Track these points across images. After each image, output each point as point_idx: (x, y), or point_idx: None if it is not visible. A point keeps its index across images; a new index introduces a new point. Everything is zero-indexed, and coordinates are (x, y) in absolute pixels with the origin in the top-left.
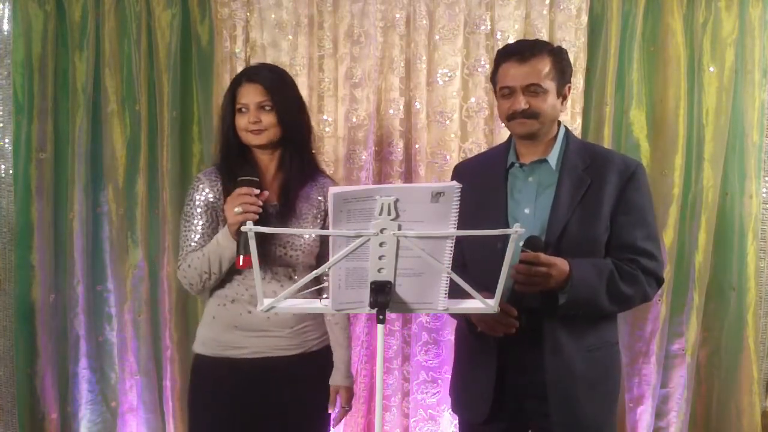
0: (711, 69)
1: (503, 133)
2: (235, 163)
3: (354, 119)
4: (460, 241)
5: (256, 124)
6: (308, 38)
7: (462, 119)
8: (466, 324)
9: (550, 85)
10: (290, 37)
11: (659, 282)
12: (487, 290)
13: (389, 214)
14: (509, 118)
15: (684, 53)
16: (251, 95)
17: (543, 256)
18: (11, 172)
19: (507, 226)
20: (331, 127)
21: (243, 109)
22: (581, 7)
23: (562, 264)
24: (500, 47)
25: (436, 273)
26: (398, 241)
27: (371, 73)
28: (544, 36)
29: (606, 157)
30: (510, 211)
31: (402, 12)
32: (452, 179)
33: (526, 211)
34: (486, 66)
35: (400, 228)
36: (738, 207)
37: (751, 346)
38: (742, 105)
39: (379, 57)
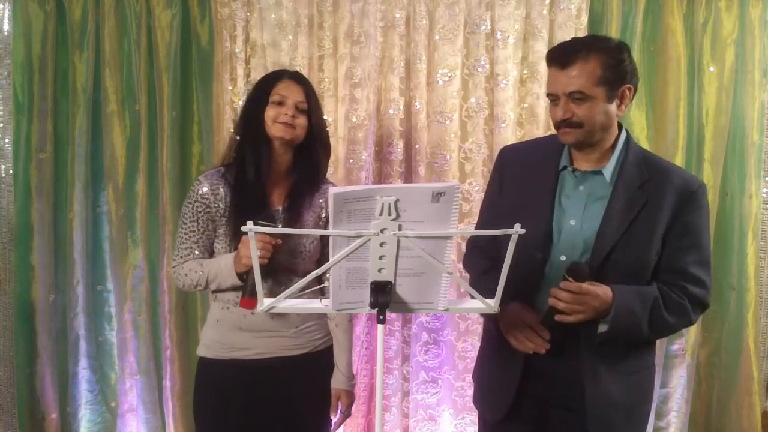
0: (711, 69)
1: (503, 134)
2: (262, 155)
3: (354, 119)
4: (500, 240)
5: (293, 118)
6: (308, 38)
7: (462, 119)
8: (495, 329)
9: (596, 91)
10: (290, 37)
11: (704, 309)
12: (521, 297)
13: (389, 214)
14: (556, 126)
15: (684, 53)
16: (293, 92)
17: (585, 287)
18: (11, 172)
19: (550, 233)
20: (331, 127)
21: (280, 101)
22: (581, 7)
23: (604, 294)
24: (499, 46)
25: (437, 273)
26: (399, 241)
27: (371, 73)
28: (544, 36)
29: (666, 173)
30: (555, 218)
31: (402, 12)
32: (497, 162)
33: (572, 222)
34: (486, 66)
35: (400, 228)
36: (738, 207)
37: (751, 346)
38: (742, 105)
39: (379, 57)
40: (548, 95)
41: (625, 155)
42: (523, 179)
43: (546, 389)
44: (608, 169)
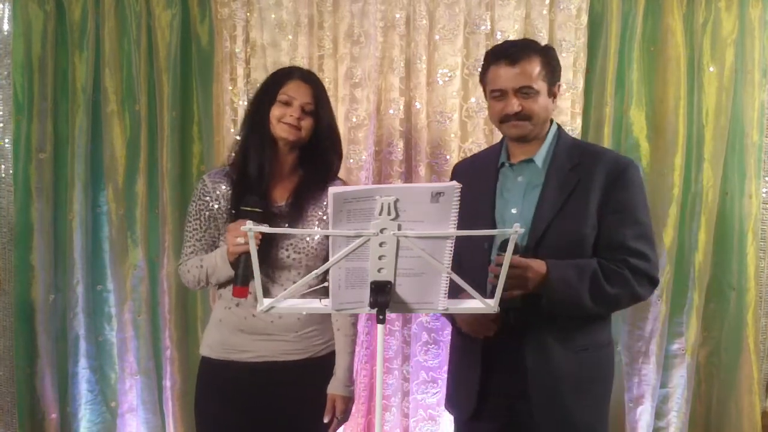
0: (711, 69)
1: None
2: (265, 153)
3: (354, 119)
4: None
5: (299, 120)
6: (308, 38)
7: (462, 119)
8: (452, 324)
9: (541, 86)
10: (290, 37)
11: (652, 282)
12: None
13: (389, 214)
14: (502, 120)
15: (684, 53)
16: (302, 93)
17: (516, 259)
18: (11, 172)
19: (494, 225)
20: None
21: (287, 102)
22: (581, 7)
23: (538, 266)
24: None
25: (436, 273)
26: (398, 241)
27: (371, 73)
28: (543, 36)
29: (596, 155)
30: (498, 210)
31: (402, 12)
32: (451, 179)
33: (513, 210)
34: None
35: (400, 228)
36: (738, 207)
37: (751, 346)
38: (741, 105)
39: (379, 57)
40: (492, 91)
41: (557, 144)
42: (469, 185)
43: (509, 383)
44: (539, 156)
